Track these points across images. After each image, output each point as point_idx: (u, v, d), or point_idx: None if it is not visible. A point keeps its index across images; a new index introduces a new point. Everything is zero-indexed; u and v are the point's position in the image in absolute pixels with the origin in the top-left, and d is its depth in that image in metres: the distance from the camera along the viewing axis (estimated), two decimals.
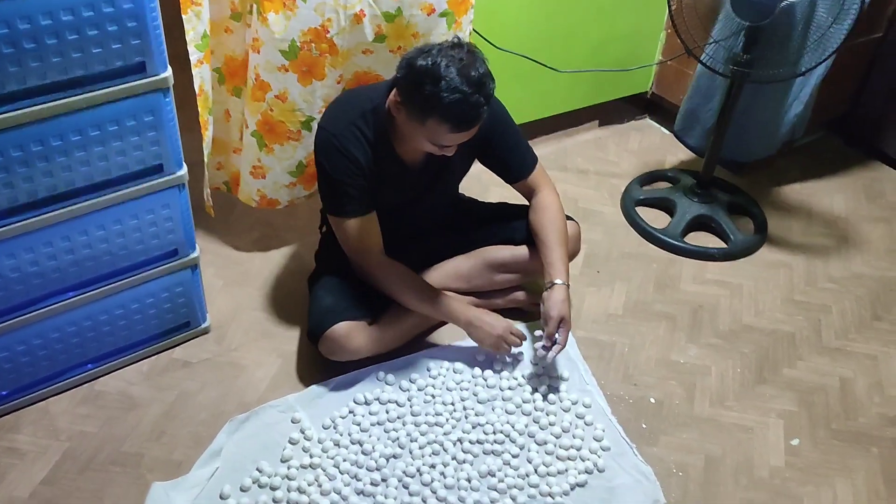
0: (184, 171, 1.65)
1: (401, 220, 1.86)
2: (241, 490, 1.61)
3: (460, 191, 2.01)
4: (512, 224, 1.95)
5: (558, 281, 1.77)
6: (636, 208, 2.45)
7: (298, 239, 2.22)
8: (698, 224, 2.39)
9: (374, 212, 1.74)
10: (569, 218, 1.97)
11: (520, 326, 1.90)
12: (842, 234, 2.43)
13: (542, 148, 2.69)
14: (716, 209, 2.39)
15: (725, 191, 2.50)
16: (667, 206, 2.45)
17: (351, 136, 1.65)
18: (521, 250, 1.94)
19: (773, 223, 2.44)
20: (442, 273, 1.94)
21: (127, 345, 1.82)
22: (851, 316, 2.13)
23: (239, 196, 2.15)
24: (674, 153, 2.73)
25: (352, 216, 1.71)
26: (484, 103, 1.54)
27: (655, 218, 2.42)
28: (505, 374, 1.87)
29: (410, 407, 1.79)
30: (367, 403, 1.79)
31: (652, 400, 1.86)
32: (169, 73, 1.51)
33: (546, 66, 2.36)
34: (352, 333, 1.76)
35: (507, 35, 2.28)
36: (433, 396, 1.82)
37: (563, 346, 1.76)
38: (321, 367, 1.84)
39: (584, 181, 2.58)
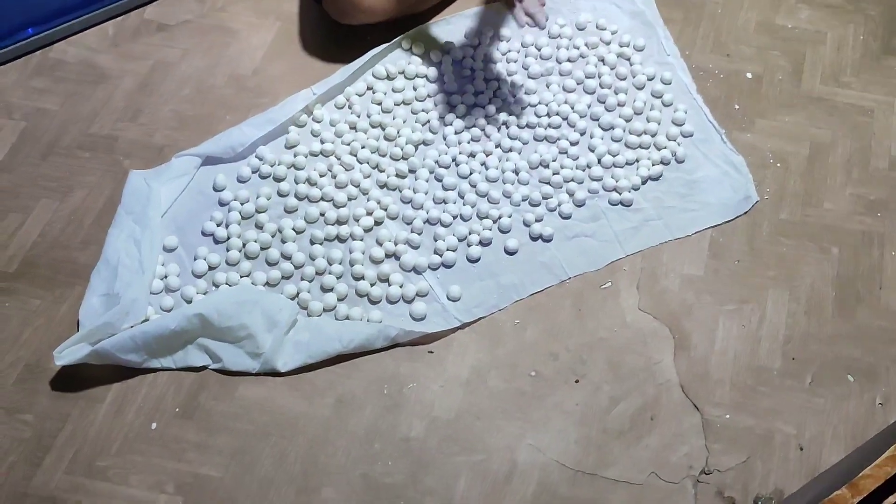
0: None
1: None
2: (239, 182, 1.33)
3: None
4: None
5: None
6: None
7: None
8: None
9: None
10: None
11: None
12: None
13: None
14: None
15: None
16: None
17: None
18: None
19: None
20: None
21: (80, 1, 1.43)
22: None
23: None
24: None
25: None
26: None
27: None
28: (564, 41, 1.49)
29: (443, 84, 1.43)
30: (389, 78, 1.44)
31: (748, 75, 1.49)
32: None
33: None
34: None
35: None
36: (472, 70, 1.46)
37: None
38: (328, 32, 1.47)
39: None
